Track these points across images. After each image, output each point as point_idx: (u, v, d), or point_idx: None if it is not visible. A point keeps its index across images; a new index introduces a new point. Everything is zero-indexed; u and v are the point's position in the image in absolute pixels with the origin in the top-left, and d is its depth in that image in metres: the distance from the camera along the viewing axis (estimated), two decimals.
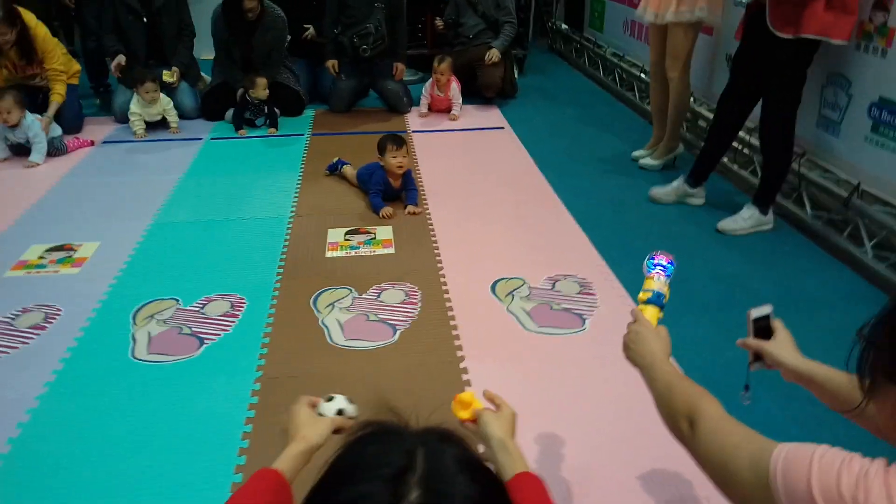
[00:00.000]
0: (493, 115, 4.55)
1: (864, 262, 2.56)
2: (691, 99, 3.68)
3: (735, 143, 3.21)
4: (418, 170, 3.55)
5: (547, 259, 2.63)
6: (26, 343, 2.13)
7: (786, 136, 2.71)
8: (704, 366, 2.00)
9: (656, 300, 1.24)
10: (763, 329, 1.21)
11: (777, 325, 1.21)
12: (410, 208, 3.03)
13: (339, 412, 1.14)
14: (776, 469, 0.76)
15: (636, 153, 3.68)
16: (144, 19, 4.13)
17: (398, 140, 3.06)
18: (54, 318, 2.25)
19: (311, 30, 4.61)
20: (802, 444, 0.76)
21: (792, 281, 2.51)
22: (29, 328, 2.20)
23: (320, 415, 1.13)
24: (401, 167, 3.04)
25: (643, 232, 2.89)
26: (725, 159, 3.33)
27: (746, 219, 2.82)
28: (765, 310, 1.22)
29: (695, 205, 3.10)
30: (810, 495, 0.71)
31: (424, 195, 3.24)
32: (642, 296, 1.26)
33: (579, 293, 2.39)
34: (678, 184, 3.10)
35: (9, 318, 2.25)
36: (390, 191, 3.12)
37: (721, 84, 2.98)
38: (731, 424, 0.90)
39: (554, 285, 2.44)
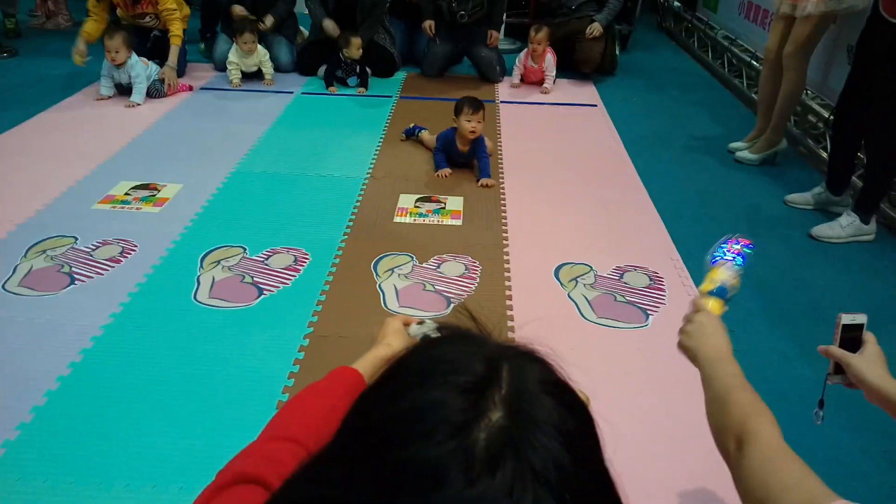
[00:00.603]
0: (588, 92, 4.38)
1: None
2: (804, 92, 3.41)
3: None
4: (500, 142, 3.47)
5: (619, 247, 2.51)
6: (101, 274, 2.23)
7: (892, 135, 2.45)
8: (775, 379, 1.87)
9: (719, 293, 1.12)
10: (852, 340, 1.08)
11: (868, 338, 1.07)
12: (484, 181, 2.96)
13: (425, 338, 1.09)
14: None
15: (734, 144, 3.45)
16: None
17: (475, 103, 3.00)
18: (130, 253, 2.35)
19: None
20: None
21: (892, 299, 2.29)
22: (106, 260, 2.31)
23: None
24: (473, 132, 2.98)
25: (728, 229, 2.69)
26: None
27: (845, 226, 2.59)
28: (859, 318, 1.08)
29: (837, 213, 2.70)
30: None
31: (502, 167, 3.16)
32: (706, 286, 1.13)
33: (647, 287, 2.27)
34: (819, 190, 2.85)
35: (89, 248, 2.37)
36: (457, 155, 3.08)
37: (838, 78, 2.73)
38: (786, 458, 0.79)
39: (622, 276, 2.33)
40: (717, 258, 1.17)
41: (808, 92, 3.50)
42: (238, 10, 4.20)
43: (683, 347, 1.07)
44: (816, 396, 1.14)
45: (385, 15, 4.43)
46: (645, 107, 4.20)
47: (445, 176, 3.02)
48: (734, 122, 3.84)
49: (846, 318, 1.09)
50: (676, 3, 6.03)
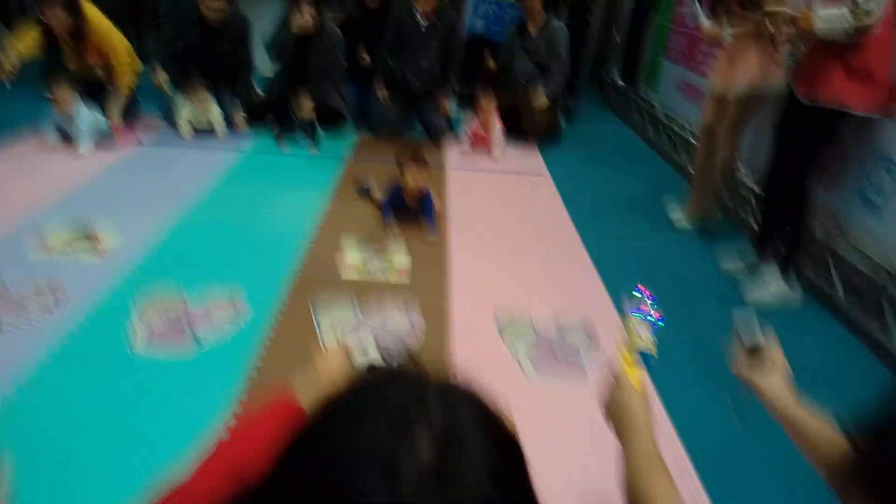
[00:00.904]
0: (534, 160, 4.54)
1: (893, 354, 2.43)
2: (738, 168, 3.63)
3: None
4: (449, 204, 3.54)
5: (561, 308, 2.57)
6: (31, 323, 2.16)
7: (794, 199, 2.65)
8: (708, 437, 1.91)
9: (642, 361, 1.12)
10: (753, 347, 1.13)
11: (773, 353, 1.11)
12: (430, 237, 3.06)
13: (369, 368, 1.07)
14: None
15: (672, 213, 3.61)
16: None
17: (417, 158, 3.10)
18: (64, 302, 2.28)
19: (365, 55, 4.70)
20: None
21: (813, 362, 2.40)
22: (38, 308, 2.23)
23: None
24: (416, 189, 3.09)
25: (667, 294, 2.79)
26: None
27: (769, 284, 2.73)
28: (756, 335, 1.14)
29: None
30: None
31: (449, 228, 3.22)
32: (626, 354, 1.13)
33: (588, 346, 2.32)
34: (748, 257, 2.99)
35: (20, 295, 2.29)
36: (403, 207, 3.17)
37: (763, 153, 2.92)
38: None
39: (564, 336, 2.38)
40: (634, 312, 1.17)
41: (741, 168, 3.72)
42: (162, 78, 4.21)
43: (607, 421, 1.08)
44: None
45: (340, 80, 4.52)
46: (588, 175, 4.37)
47: (392, 230, 3.08)
48: (673, 192, 4.02)
49: (745, 337, 1.15)
50: (619, 82, 6.36)
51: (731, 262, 3.03)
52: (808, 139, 2.63)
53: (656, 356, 1.16)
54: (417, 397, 0.50)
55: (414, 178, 3.08)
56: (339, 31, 4.34)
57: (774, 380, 1.07)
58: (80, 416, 1.77)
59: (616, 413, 1.05)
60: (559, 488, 1.67)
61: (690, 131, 4.53)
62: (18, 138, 3.90)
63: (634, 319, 1.17)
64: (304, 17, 4.02)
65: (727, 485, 1.75)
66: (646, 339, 1.15)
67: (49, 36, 3.82)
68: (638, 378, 1.10)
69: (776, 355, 1.11)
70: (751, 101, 3.13)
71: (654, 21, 5.65)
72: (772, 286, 2.74)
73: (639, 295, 1.19)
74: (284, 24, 4.18)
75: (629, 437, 1.00)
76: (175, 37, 4.20)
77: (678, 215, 3.56)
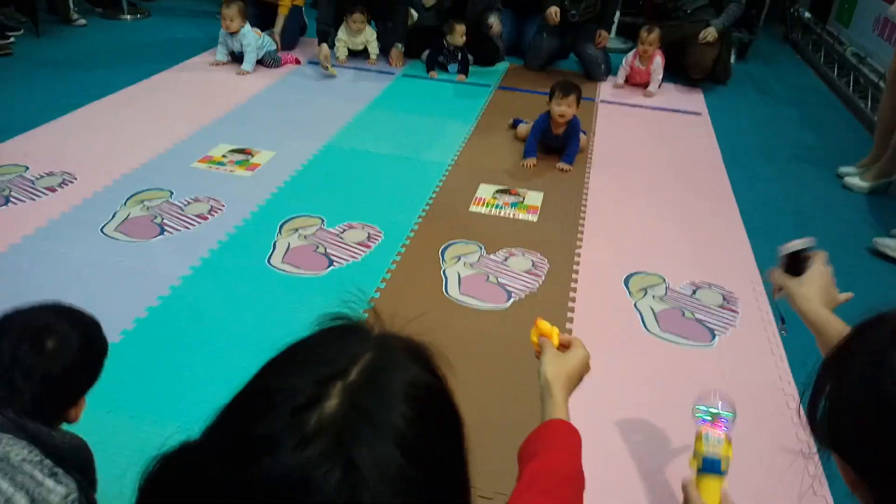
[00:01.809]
0: (694, 99, 4.21)
1: None
2: None
3: None
4: (593, 141, 3.40)
5: (697, 262, 2.42)
6: (188, 228, 2.37)
7: None
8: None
9: (711, 468, 1.01)
10: (797, 264, 1.10)
11: (817, 257, 1.09)
12: (560, 164, 3.05)
13: None
14: None
15: (844, 169, 3.22)
16: None
17: (566, 87, 3.03)
18: (217, 212, 2.48)
19: None
20: None
21: None
22: (194, 216, 2.45)
23: None
24: (562, 116, 3.02)
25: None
26: None
27: None
28: (799, 244, 1.10)
29: None
30: None
31: (590, 167, 3.10)
32: (693, 461, 1.04)
33: (720, 307, 2.17)
34: None
35: (181, 203, 2.52)
36: (551, 138, 3.12)
37: None
38: None
39: (695, 292, 2.24)
40: (701, 418, 1.07)
41: None
42: (325, 50, 4.06)
43: None
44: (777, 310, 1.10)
45: (498, 13, 4.37)
46: (754, 119, 3.99)
47: (531, 166, 3.05)
48: (850, 146, 3.58)
49: (791, 247, 1.11)
50: (807, 14, 5.68)
51: (890, 241, 2.67)
52: None
53: (730, 459, 1.05)
54: (352, 353, 0.52)
55: (560, 108, 3.01)
56: None
57: (809, 288, 1.05)
58: (218, 319, 1.94)
59: None
60: (672, 450, 1.61)
61: (882, 75, 3.97)
62: (197, 58, 4.20)
63: (695, 414, 1.10)
64: None
65: None
66: (713, 441, 1.04)
67: None
68: (711, 488, 1.01)
69: (818, 269, 1.08)
70: None
71: None
72: None
73: (700, 413, 1.10)
74: None
75: None
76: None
77: (852, 172, 3.17)
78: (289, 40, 4.38)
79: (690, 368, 1.90)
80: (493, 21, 4.26)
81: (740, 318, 2.13)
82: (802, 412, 0.70)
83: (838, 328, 0.97)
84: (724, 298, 2.22)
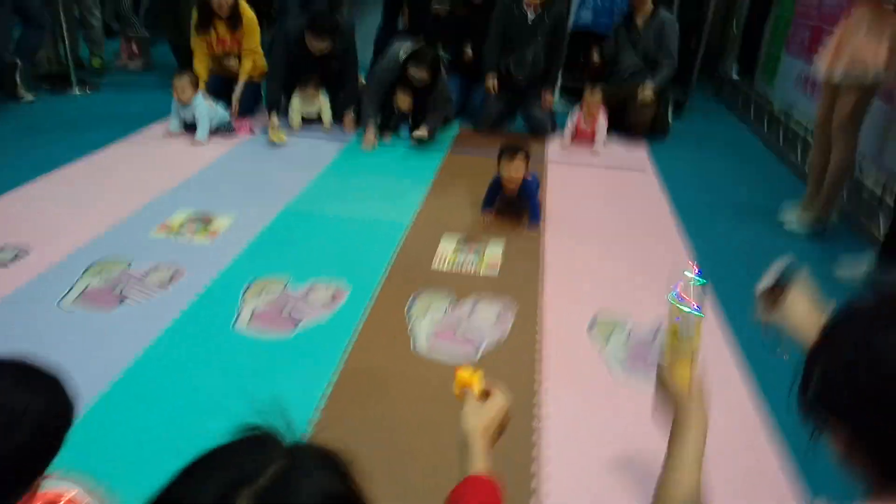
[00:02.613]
0: (638, 154, 4.41)
1: None
2: (857, 168, 3.37)
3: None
4: (546, 198, 3.51)
5: (657, 307, 2.49)
6: (151, 296, 2.34)
7: None
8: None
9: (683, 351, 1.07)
10: (777, 296, 1.15)
11: (795, 287, 1.14)
12: (529, 232, 3.05)
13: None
14: None
15: (784, 214, 3.41)
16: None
17: (511, 150, 3.04)
18: (179, 278, 2.46)
19: (469, 50, 4.72)
20: None
21: None
22: (156, 284, 2.41)
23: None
24: (511, 181, 3.04)
25: None
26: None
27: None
28: (773, 277, 1.16)
29: None
30: None
31: (545, 221, 3.20)
32: (669, 344, 1.10)
33: None
34: (869, 265, 2.81)
35: (142, 271, 2.49)
36: (505, 199, 3.15)
37: (894, 155, 2.70)
38: None
39: (659, 338, 2.31)
40: (676, 294, 1.11)
41: (861, 167, 3.46)
42: (274, 121, 4.18)
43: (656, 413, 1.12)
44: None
45: (449, 102, 4.49)
46: (696, 173, 4.20)
47: (487, 219, 3.12)
48: (787, 194, 3.79)
49: (762, 287, 1.18)
50: (734, 74, 6.06)
51: (849, 269, 2.83)
52: None
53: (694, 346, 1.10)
54: (264, 461, 0.53)
55: (508, 173, 3.05)
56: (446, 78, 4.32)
57: (796, 310, 1.11)
58: (186, 388, 1.90)
59: (661, 407, 1.10)
60: (645, 491, 1.63)
61: (808, 129, 4.25)
62: (150, 128, 4.20)
63: (674, 307, 1.10)
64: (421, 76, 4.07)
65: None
66: (684, 329, 1.09)
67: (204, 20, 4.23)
68: (689, 371, 1.07)
69: (798, 291, 1.13)
70: (863, 94, 2.90)
71: (775, 11, 5.33)
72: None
73: (689, 275, 1.11)
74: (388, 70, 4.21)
75: (673, 434, 1.04)
76: (281, 58, 4.27)
77: (791, 218, 3.36)
78: (245, 108, 4.43)
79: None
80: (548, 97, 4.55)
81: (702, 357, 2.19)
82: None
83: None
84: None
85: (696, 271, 1.12)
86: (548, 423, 1.84)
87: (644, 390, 2.03)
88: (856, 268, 2.81)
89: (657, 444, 1.77)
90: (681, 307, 1.08)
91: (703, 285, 1.11)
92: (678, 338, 1.09)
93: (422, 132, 4.12)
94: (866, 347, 0.67)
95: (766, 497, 1.67)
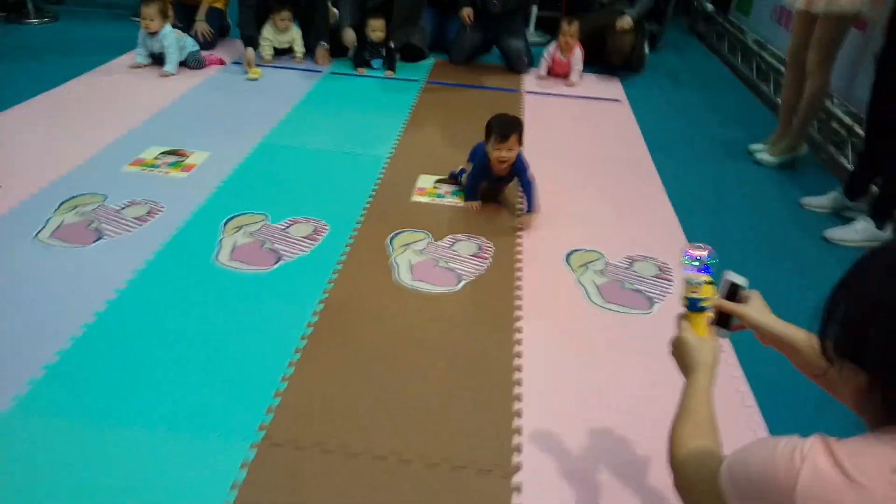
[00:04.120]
0: (613, 87, 4.41)
1: None
2: (829, 99, 3.42)
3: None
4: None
5: (631, 237, 2.55)
6: (129, 231, 2.32)
7: None
8: (782, 381, 1.90)
9: (692, 307, 1.16)
10: (732, 297, 1.18)
11: (752, 293, 1.18)
12: (523, 220, 2.57)
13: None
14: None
15: (754, 146, 3.46)
16: None
17: (503, 128, 2.51)
18: (157, 214, 2.44)
19: None
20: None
21: None
22: (133, 219, 2.39)
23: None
24: (503, 161, 2.55)
25: (741, 226, 2.74)
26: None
27: (859, 231, 2.61)
28: (741, 280, 1.19)
29: (851, 218, 2.75)
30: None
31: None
32: (682, 301, 1.19)
33: (655, 276, 2.31)
34: (835, 195, 2.87)
35: (118, 206, 2.46)
36: (493, 180, 2.68)
37: (864, 86, 2.73)
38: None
39: (632, 264, 2.37)
40: (687, 267, 1.21)
41: (833, 98, 3.50)
42: (250, 54, 4.06)
43: (672, 356, 1.17)
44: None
45: (420, 13, 4.43)
46: (669, 105, 4.22)
47: (474, 210, 2.65)
48: (758, 126, 3.84)
49: (733, 278, 1.19)
50: (709, 6, 6.01)
51: (816, 200, 2.91)
52: None
53: (711, 297, 1.17)
54: None
55: (500, 154, 2.52)
56: None
57: (753, 308, 1.16)
58: (168, 319, 1.92)
59: (676, 353, 1.15)
60: (621, 418, 1.71)
61: (781, 59, 4.27)
62: (114, 60, 4.07)
63: (687, 275, 1.20)
64: None
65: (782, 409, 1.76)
66: (695, 284, 1.18)
67: None
68: (698, 322, 1.15)
69: (756, 294, 1.18)
70: (839, 24, 2.90)
71: None
72: (858, 227, 2.62)
73: (688, 261, 1.21)
74: None
75: (687, 377, 1.10)
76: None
77: (761, 149, 3.41)
78: (216, 39, 4.31)
79: (633, 334, 2.02)
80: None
81: (674, 286, 2.27)
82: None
83: (800, 333, 1.10)
84: (659, 269, 2.36)
85: (708, 254, 1.21)
86: (527, 357, 1.90)
87: (619, 314, 2.10)
88: (822, 199, 2.89)
89: (640, 367, 1.86)
90: (690, 273, 1.20)
91: (713, 263, 1.20)
92: (691, 290, 1.18)
93: (390, 72, 4.16)
94: (887, 295, 0.70)
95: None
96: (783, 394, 1.80)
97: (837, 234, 2.64)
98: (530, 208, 2.59)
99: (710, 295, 1.17)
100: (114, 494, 1.39)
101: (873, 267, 0.75)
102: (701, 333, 1.14)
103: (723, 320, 1.18)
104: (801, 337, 1.09)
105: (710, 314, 1.16)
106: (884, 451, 0.67)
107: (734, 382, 1.85)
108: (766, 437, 0.78)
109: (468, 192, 2.70)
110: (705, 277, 1.18)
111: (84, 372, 1.70)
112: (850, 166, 3.18)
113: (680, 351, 1.13)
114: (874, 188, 2.83)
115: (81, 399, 1.62)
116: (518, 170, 2.60)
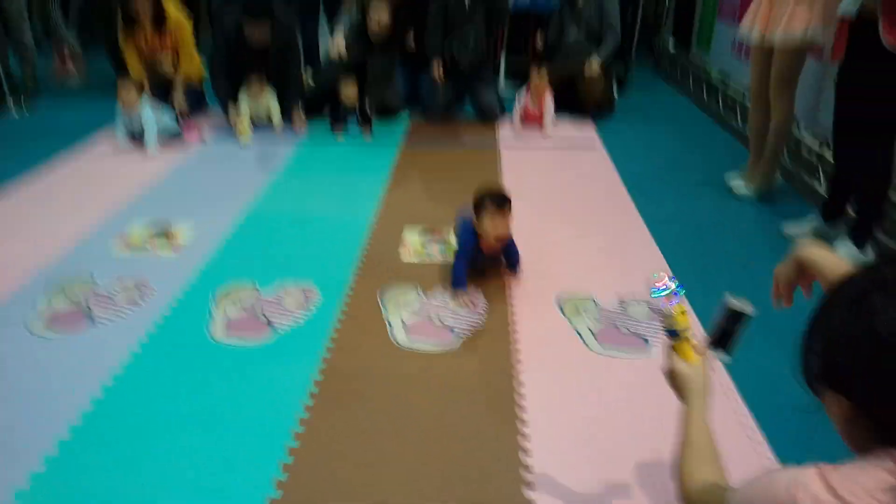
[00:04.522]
0: (587, 133, 4.52)
1: None
2: (795, 126, 3.53)
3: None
4: (505, 183, 3.57)
5: (620, 280, 2.59)
6: (121, 314, 2.31)
7: (884, 160, 2.55)
8: (775, 397, 1.92)
9: (672, 336, 1.19)
10: (728, 331, 1.18)
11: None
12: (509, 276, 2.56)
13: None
14: None
15: (732, 181, 3.54)
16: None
17: (499, 200, 2.35)
18: (148, 294, 2.43)
19: (411, 42, 4.74)
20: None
21: None
22: (124, 302, 2.39)
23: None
24: (500, 239, 2.39)
25: (725, 261, 2.78)
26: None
27: (837, 248, 2.66)
28: (744, 307, 1.18)
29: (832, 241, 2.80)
30: None
31: None
32: (663, 333, 1.22)
33: (649, 318, 2.34)
34: (812, 220, 2.94)
35: (108, 290, 2.46)
36: (481, 258, 2.50)
37: (828, 113, 2.83)
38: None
39: (625, 308, 2.40)
40: (658, 297, 1.23)
41: (801, 126, 3.62)
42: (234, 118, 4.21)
43: (670, 386, 1.20)
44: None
45: (392, 74, 4.55)
46: (643, 145, 4.33)
47: (466, 304, 2.39)
48: (731, 158, 3.94)
49: (733, 304, 1.18)
50: (671, 49, 6.22)
51: (796, 227, 2.97)
52: (882, 95, 2.49)
53: (686, 324, 1.19)
54: None
55: (498, 230, 2.36)
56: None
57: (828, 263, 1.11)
58: (168, 401, 1.90)
59: (670, 384, 1.19)
60: (622, 459, 1.71)
61: (745, 94, 4.41)
62: (94, 142, 4.11)
63: (660, 309, 1.24)
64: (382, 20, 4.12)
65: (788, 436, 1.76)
66: (667, 314, 1.20)
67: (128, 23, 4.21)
68: (683, 349, 1.17)
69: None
70: (796, 55, 3.02)
71: None
72: (840, 253, 2.67)
73: (660, 293, 1.23)
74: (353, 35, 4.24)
75: (686, 403, 1.13)
76: (223, 55, 4.25)
77: (738, 182, 3.50)
78: (194, 114, 4.39)
79: (634, 376, 2.03)
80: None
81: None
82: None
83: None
84: (650, 308, 2.39)
85: (667, 282, 1.23)
86: (531, 400, 1.91)
87: (618, 358, 2.12)
88: (802, 225, 2.95)
89: (641, 408, 1.87)
90: (662, 306, 1.22)
91: (679, 293, 1.22)
92: (667, 321, 1.20)
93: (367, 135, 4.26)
94: (862, 323, 0.71)
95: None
96: (787, 423, 1.81)
97: None
98: (512, 268, 2.57)
99: (684, 321, 1.19)
100: None
101: (839, 300, 0.77)
102: (690, 360, 1.16)
103: (723, 342, 1.18)
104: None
105: (692, 341, 1.18)
106: (875, 474, 0.70)
107: (736, 416, 1.86)
108: (769, 470, 0.81)
109: (456, 280, 2.43)
110: (677, 307, 1.20)
111: (85, 465, 1.67)
112: (822, 191, 3.26)
113: (672, 381, 1.18)
114: (850, 211, 2.90)
115: (83, 491, 1.59)
116: (507, 245, 2.49)
